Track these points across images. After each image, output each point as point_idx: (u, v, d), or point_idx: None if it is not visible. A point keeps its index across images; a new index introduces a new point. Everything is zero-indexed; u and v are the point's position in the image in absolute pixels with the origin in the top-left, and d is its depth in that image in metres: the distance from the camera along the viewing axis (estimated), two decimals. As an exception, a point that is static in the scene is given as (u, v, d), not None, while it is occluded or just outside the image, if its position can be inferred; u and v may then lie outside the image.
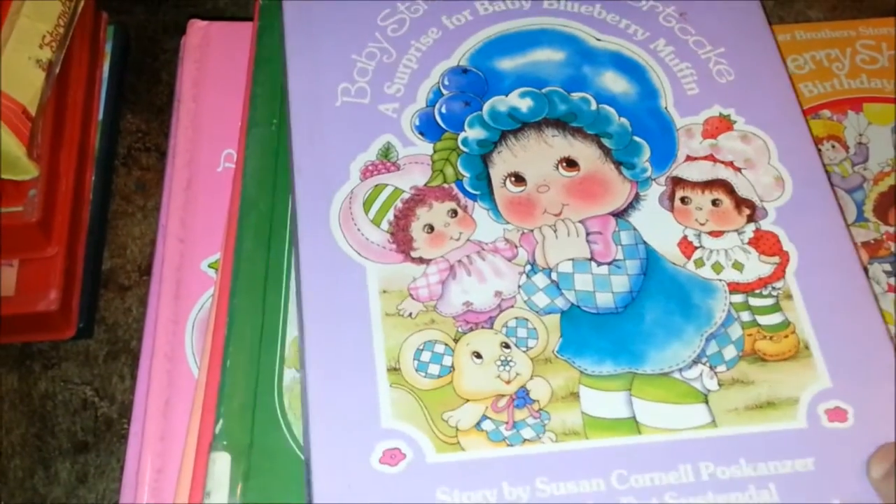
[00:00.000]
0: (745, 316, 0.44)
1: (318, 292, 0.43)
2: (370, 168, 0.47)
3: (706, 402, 0.42)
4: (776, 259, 0.45)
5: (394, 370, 0.41)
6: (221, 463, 0.41)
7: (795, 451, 0.40)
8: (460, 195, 0.46)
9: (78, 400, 0.52)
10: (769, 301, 0.44)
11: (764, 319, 0.43)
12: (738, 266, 0.45)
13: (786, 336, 0.43)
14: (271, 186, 0.48)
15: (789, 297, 0.44)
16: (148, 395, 0.47)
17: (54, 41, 0.51)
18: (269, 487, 0.41)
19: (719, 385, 0.42)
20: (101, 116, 0.58)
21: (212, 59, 0.56)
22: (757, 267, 0.45)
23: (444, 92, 0.49)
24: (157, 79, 0.62)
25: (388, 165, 0.47)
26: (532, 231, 0.45)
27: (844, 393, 0.42)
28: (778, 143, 0.49)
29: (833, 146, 0.56)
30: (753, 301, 0.44)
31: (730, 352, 0.43)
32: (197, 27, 0.56)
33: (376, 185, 0.46)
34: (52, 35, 0.51)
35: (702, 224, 0.46)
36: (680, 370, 0.42)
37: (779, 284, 0.44)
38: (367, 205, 0.46)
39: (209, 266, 0.50)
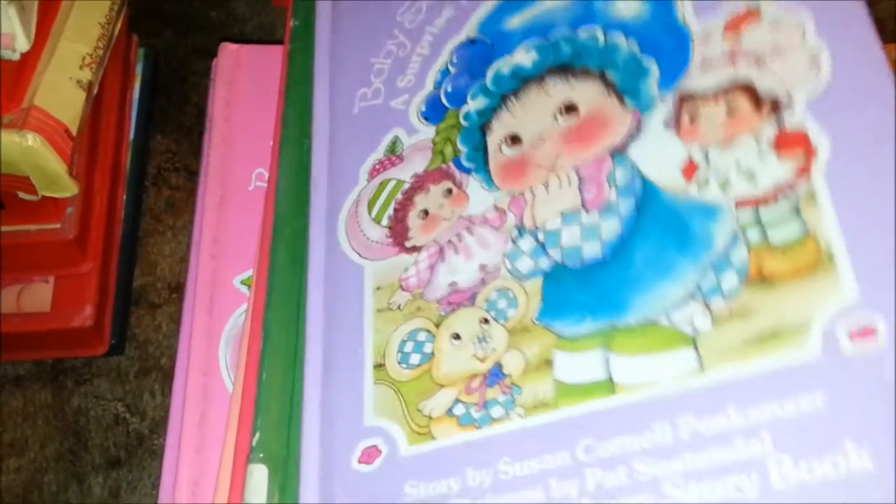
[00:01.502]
0: (754, 234, 0.35)
1: (320, 299, 0.43)
2: (377, 167, 0.45)
3: (694, 345, 0.34)
4: (800, 158, 0.36)
5: (379, 366, 0.40)
6: (259, 475, 0.40)
7: (800, 387, 0.31)
8: (455, 172, 0.43)
9: (110, 416, 0.52)
10: (785, 209, 0.35)
11: (777, 233, 0.35)
12: (749, 177, 0.36)
13: (803, 249, 0.34)
14: (303, 203, 0.47)
15: (812, 199, 0.35)
16: (184, 408, 0.46)
17: (93, 63, 0.54)
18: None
19: (712, 323, 0.34)
20: (132, 137, 0.60)
21: (242, 80, 0.56)
22: (773, 173, 0.36)
23: (451, 70, 0.46)
24: (185, 100, 0.63)
25: (393, 160, 0.45)
26: (523, 193, 0.41)
27: (874, 306, 0.32)
28: (818, 14, 0.38)
29: None
30: (766, 213, 0.35)
31: (730, 280, 0.34)
32: (228, 50, 0.58)
33: (381, 183, 0.45)
34: (92, 57, 0.54)
35: (711, 138, 0.38)
36: (667, 313, 0.35)
37: (800, 188, 0.35)
38: (370, 204, 0.44)
39: (241, 282, 0.50)
